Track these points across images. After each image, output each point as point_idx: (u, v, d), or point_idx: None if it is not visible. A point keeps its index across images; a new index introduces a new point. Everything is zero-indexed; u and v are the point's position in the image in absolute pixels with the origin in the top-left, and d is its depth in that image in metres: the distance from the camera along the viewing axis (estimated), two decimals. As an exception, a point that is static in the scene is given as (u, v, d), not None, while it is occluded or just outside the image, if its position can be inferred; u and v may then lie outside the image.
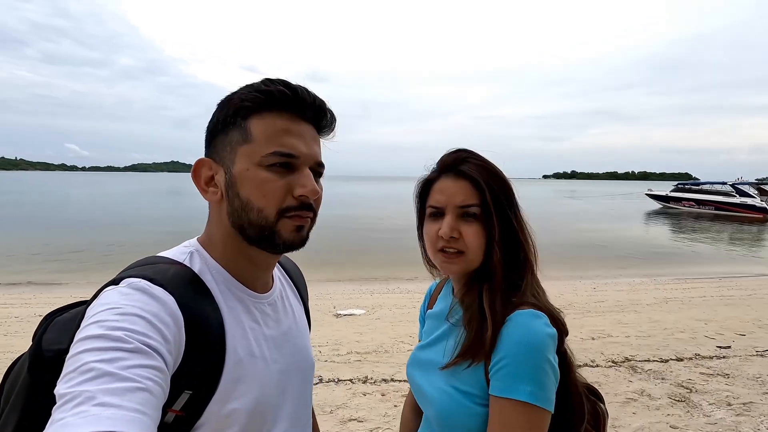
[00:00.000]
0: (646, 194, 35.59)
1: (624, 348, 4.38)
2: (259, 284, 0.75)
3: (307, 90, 0.68)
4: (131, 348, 0.50)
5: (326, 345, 4.55)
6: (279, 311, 0.79)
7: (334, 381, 3.58)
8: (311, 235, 0.74)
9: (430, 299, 1.09)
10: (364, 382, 3.58)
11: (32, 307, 6.60)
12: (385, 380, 3.60)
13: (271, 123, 0.66)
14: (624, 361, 4.02)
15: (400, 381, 3.57)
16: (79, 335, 0.52)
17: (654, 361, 4.02)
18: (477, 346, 0.78)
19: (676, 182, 35.77)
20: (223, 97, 0.70)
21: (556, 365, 0.75)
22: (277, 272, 0.86)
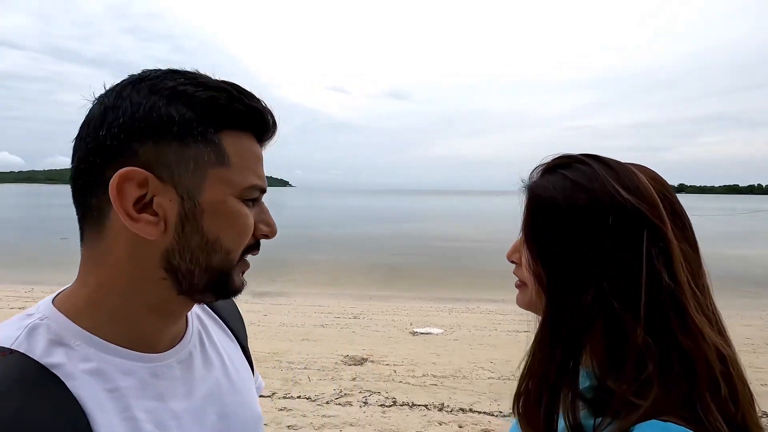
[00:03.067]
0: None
1: (762, 400, 3.59)
2: (166, 340, 0.56)
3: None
4: None
5: (401, 364, 4.40)
6: (195, 368, 0.58)
7: (408, 405, 3.41)
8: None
9: None
10: (440, 409, 3.35)
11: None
12: (462, 410, 3.34)
13: (246, 146, 0.53)
14: (762, 416, 3.28)
15: (479, 413, 3.29)
16: None
17: (806, 420, 3.22)
18: None
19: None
20: (143, 71, 0.51)
21: None
22: (195, 311, 0.64)
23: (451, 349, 5.10)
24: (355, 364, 4.38)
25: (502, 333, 6.05)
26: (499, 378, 4.02)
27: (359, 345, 5.18)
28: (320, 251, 15.36)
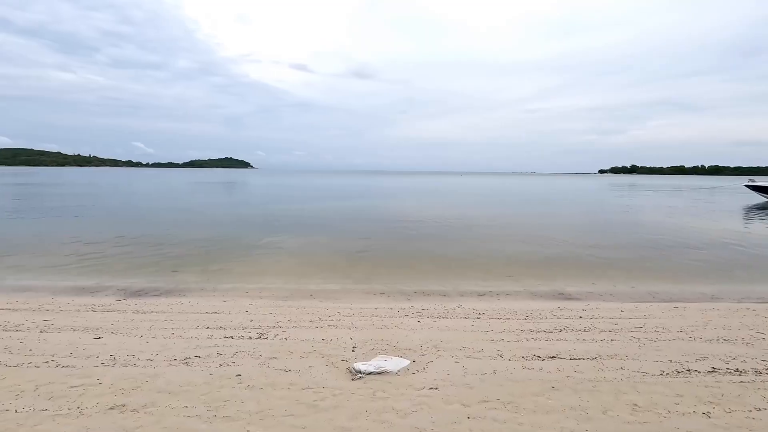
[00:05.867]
0: (746, 185, 29.77)
1: None
2: None
3: None
4: None
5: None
6: None
7: None
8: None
9: None
10: None
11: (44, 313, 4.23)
12: None
13: None
14: None
15: None
16: None
17: None
18: None
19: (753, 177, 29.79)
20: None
21: None
22: None
23: (431, 417, 2.40)
24: None
25: (515, 362, 3.39)
26: None
27: (234, 421, 2.38)
28: (270, 233, 12.31)
